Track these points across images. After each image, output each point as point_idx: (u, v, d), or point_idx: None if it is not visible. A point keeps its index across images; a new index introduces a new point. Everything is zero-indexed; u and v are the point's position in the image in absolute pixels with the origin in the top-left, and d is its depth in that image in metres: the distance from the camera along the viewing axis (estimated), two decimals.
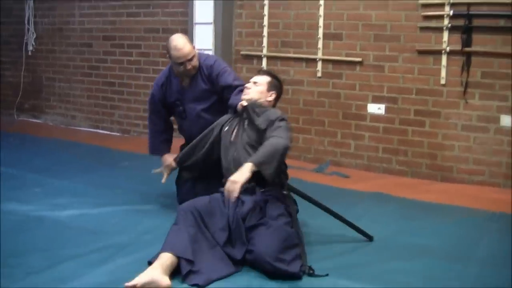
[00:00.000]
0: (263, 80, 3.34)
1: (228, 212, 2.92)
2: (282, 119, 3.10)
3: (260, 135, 3.09)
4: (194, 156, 3.49)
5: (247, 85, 3.34)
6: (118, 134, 6.73)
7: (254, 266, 2.77)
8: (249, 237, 2.82)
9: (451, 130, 4.81)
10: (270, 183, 2.99)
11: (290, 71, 5.45)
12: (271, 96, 3.33)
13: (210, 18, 5.59)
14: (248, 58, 5.67)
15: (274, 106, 3.36)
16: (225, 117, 3.44)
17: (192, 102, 3.65)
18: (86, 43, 6.90)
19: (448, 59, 4.73)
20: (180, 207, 2.93)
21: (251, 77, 3.46)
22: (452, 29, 4.67)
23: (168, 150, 3.80)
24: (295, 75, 5.43)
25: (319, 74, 5.31)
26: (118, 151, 5.71)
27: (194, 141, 3.48)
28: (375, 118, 5.11)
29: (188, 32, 5.78)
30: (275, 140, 2.93)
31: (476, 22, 4.59)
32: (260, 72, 3.48)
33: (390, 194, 4.39)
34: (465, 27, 4.60)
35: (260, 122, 3.11)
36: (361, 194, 4.39)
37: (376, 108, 5.10)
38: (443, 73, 4.76)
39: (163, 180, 3.68)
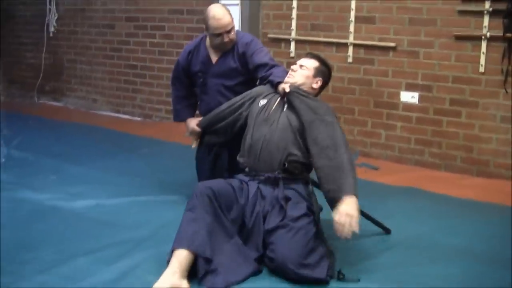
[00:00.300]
0: (310, 64, 3.09)
1: (245, 206, 2.71)
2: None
3: (305, 127, 2.85)
4: (219, 121, 3.28)
5: (292, 67, 3.11)
6: (140, 119, 6.56)
7: (277, 273, 2.55)
8: (268, 242, 2.60)
9: (489, 121, 4.53)
10: (294, 176, 2.82)
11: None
12: (317, 83, 3.07)
13: (236, 0, 5.36)
14: (276, 41, 5.43)
15: (318, 94, 3.13)
16: (260, 89, 3.21)
17: (215, 77, 3.48)
18: (108, 24, 6.72)
19: (488, 46, 4.43)
20: (195, 189, 2.65)
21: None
22: (493, 13, 4.36)
23: (191, 115, 3.66)
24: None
25: (350, 60, 5.05)
26: (138, 136, 5.54)
27: (222, 106, 3.30)
28: (408, 107, 4.85)
29: None
30: (350, 159, 2.72)
31: None
32: (308, 55, 3.19)
33: (422, 189, 4.15)
34: (508, 11, 4.29)
35: (306, 113, 2.87)
36: (392, 189, 4.16)
37: (409, 97, 4.83)
38: (482, 60, 4.47)
39: (193, 146, 3.56)
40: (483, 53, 4.45)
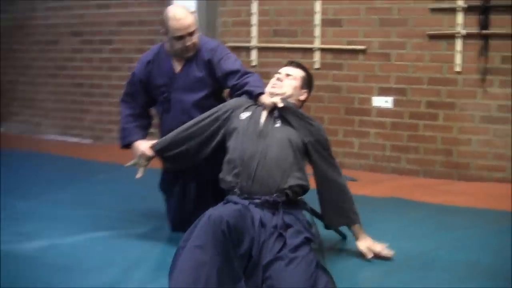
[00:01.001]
0: (297, 73, 2.76)
1: (254, 235, 2.29)
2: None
3: (308, 147, 2.61)
4: (184, 142, 2.78)
5: (278, 76, 2.74)
6: (90, 141, 6.07)
7: None
8: (265, 277, 2.18)
9: (467, 122, 4.33)
10: (293, 202, 2.50)
11: (284, 63, 4.88)
12: (303, 95, 2.76)
13: (192, 7, 4.97)
14: (236, 50, 5.02)
15: (300, 108, 2.79)
16: (237, 102, 2.78)
17: (181, 92, 3.01)
18: (51, 40, 6.23)
19: (463, 44, 4.25)
20: (207, 216, 2.17)
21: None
22: (467, 10, 4.19)
23: (141, 137, 3.05)
24: None
25: (317, 65, 4.75)
26: (91, 161, 5.06)
27: (187, 124, 2.80)
28: (382, 112, 4.59)
29: None
30: (345, 184, 2.75)
31: (494, 1, 4.11)
32: (293, 64, 2.82)
33: (408, 199, 3.87)
34: (482, 7, 4.12)
35: (306, 134, 2.61)
36: (375, 201, 3.84)
37: (382, 101, 4.58)
38: (458, 59, 4.26)
39: (138, 175, 2.87)
40: (459, 51, 4.27)
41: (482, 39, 4.15)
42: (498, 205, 3.68)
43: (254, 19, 4.94)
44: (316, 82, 4.69)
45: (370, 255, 2.67)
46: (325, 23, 4.69)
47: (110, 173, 4.53)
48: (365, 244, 2.70)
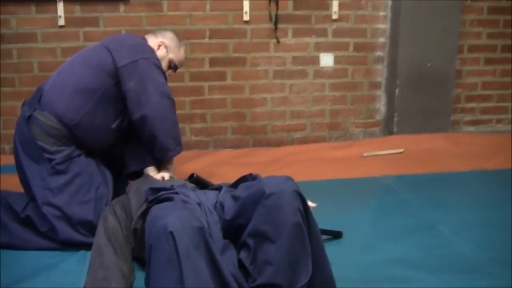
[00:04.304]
0: None
1: None
2: None
3: None
4: None
5: None
6: None
7: None
8: None
9: (261, 79, 3.80)
10: None
11: (11, 21, 3.52)
12: None
13: None
14: None
15: None
16: None
17: None
18: None
19: None
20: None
21: None
22: None
23: None
24: (22, 26, 3.53)
25: (61, 22, 3.54)
26: None
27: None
28: None
29: None
30: None
31: None
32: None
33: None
34: None
35: None
36: None
37: None
38: (246, 6, 3.65)
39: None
40: None
41: None
42: (324, 175, 3.28)
43: None
44: (62, 45, 3.57)
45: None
46: None
47: None
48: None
